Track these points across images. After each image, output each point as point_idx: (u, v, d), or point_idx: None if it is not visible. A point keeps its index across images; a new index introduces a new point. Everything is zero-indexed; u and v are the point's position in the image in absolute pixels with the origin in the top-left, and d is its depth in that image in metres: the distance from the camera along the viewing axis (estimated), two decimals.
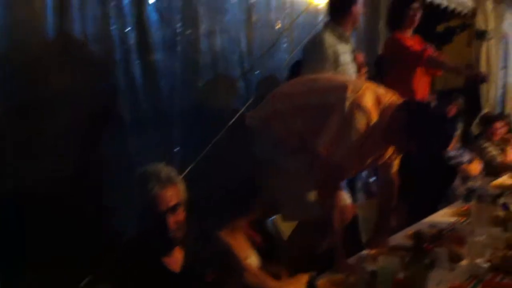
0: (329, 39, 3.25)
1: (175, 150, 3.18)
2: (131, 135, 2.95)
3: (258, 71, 3.77)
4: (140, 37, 2.96)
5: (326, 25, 3.37)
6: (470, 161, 4.22)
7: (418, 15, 3.80)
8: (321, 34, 3.30)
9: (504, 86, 7.54)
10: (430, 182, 3.79)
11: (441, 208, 3.27)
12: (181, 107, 3.23)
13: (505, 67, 7.45)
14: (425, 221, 2.87)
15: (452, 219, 2.92)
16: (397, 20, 3.84)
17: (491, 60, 6.77)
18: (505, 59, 7.40)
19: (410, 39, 3.83)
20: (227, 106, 3.59)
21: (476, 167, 4.16)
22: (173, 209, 1.82)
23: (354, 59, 3.43)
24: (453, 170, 3.90)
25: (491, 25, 6.70)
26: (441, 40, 9.77)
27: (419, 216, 3.28)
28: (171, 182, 1.82)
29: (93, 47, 2.76)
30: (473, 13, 6.67)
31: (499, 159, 4.48)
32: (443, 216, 3.01)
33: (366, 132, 2.29)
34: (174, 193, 1.82)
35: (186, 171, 3.12)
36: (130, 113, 2.94)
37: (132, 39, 2.92)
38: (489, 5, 6.68)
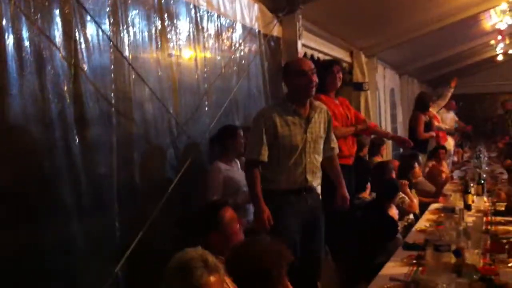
0: (269, 111, 3.38)
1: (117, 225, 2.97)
2: (74, 218, 2.71)
3: (185, 137, 3.69)
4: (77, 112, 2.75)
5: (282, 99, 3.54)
6: None
7: (340, 78, 4.03)
8: (265, 107, 3.48)
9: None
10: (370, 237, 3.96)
11: (379, 261, 3.40)
12: (119, 182, 3.04)
13: (379, 115, 8.13)
14: (383, 275, 2.92)
15: (404, 270, 3.01)
16: (321, 84, 4.01)
17: (369, 109, 7.34)
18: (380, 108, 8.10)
19: (333, 102, 4.01)
20: (161, 176, 3.46)
21: None
22: None
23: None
24: (393, 222, 4.09)
25: (367, 77, 7.29)
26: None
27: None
28: (217, 270, 1.66)
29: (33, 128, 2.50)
30: (350, 67, 7.23)
31: (407, 201, 4.77)
32: (393, 268, 3.08)
33: None
34: (219, 283, 1.65)
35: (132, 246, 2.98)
36: (71, 195, 2.70)
37: (70, 115, 2.70)
38: (363, 59, 7.28)
